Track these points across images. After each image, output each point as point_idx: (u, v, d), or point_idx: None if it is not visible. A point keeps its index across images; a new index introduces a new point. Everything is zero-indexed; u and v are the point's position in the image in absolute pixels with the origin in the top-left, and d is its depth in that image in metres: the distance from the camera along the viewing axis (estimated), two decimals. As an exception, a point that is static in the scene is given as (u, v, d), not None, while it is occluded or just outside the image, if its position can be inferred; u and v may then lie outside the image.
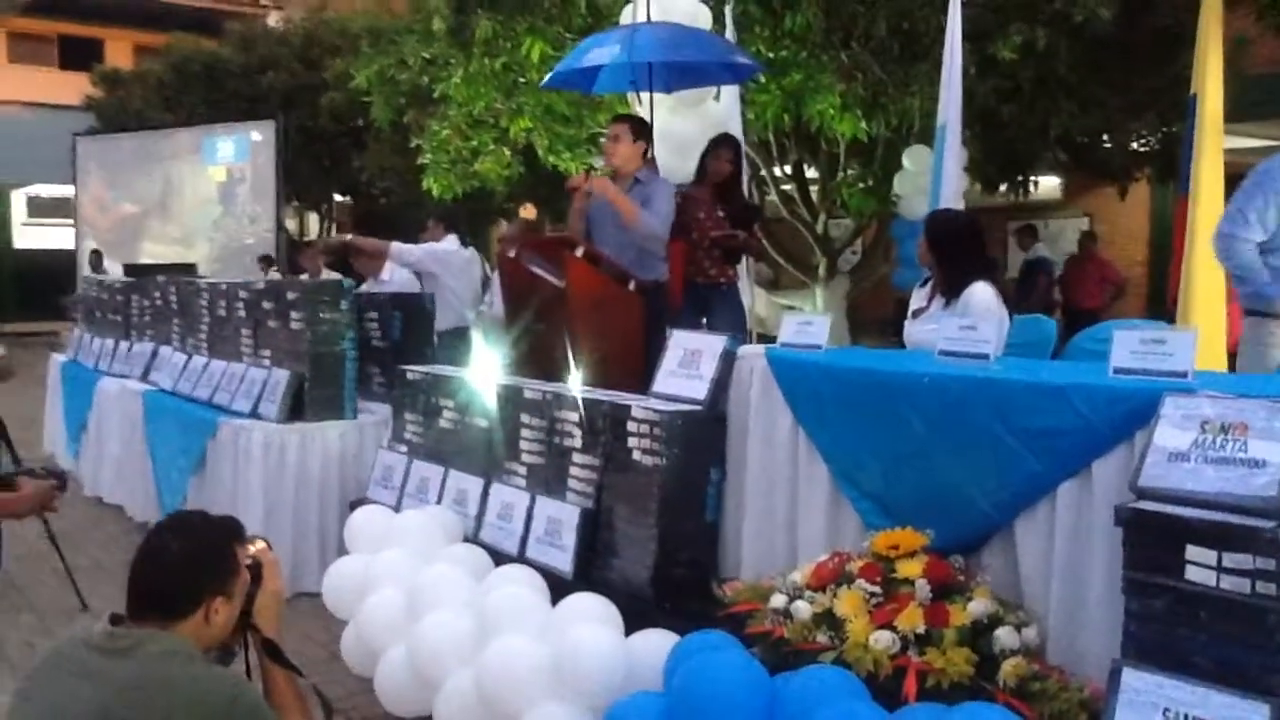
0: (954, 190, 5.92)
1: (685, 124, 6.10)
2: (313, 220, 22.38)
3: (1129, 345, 2.60)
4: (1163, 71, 8.20)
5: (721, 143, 5.59)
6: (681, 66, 5.64)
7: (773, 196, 10.51)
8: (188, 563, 2.08)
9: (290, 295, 5.18)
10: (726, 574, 3.40)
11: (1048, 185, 13.95)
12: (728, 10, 6.83)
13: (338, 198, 20.88)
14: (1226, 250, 4.14)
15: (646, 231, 4.74)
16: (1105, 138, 9.73)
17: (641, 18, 5.80)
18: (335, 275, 6.85)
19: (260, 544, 2.36)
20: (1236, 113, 6.22)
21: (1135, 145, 9.92)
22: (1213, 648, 2.07)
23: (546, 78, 6.13)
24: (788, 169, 10.57)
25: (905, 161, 8.84)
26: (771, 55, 7.75)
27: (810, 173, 10.76)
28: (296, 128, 16.90)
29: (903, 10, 7.57)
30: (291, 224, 20.33)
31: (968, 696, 2.38)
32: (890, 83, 7.67)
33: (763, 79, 7.85)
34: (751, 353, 3.47)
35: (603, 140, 5.70)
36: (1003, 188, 10.75)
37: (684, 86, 5.89)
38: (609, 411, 3.51)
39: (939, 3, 6.44)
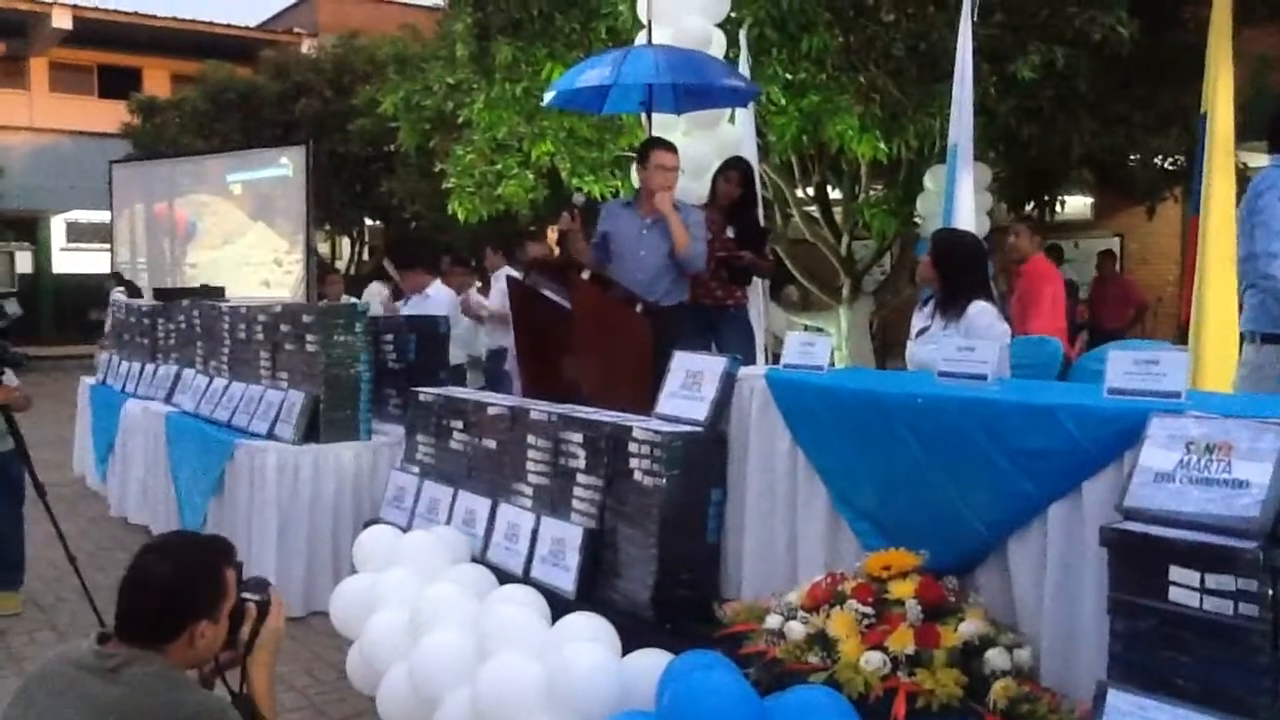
0: (968, 209, 5.91)
1: (699, 146, 6.13)
2: (344, 245, 22.61)
3: (1123, 366, 2.59)
4: (1188, 89, 8.15)
5: (732, 165, 5.62)
6: (686, 88, 5.67)
7: (796, 218, 10.51)
8: (173, 589, 2.09)
9: (306, 318, 5.26)
10: (728, 594, 3.40)
11: (1078, 205, 13.85)
12: (742, 34, 6.87)
13: (369, 222, 21.10)
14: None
15: (692, 260, 4.79)
16: (1131, 156, 9.66)
17: (655, 42, 5.85)
18: (353, 300, 6.92)
19: (276, 593, 2.41)
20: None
21: (1162, 163, 9.84)
22: (1196, 669, 2.06)
23: (548, 97, 6.16)
24: (810, 190, 10.58)
25: (927, 182, 8.81)
26: (789, 77, 7.77)
27: (834, 194, 10.75)
28: (328, 153, 17.13)
29: (920, 31, 7.57)
30: (323, 248, 20.55)
31: (957, 718, 2.38)
32: (909, 103, 7.66)
33: (781, 101, 7.87)
34: (752, 374, 3.48)
35: (630, 164, 5.67)
36: (1029, 207, 10.68)
37: (692, 109, 5.91)
38: (611, 432, 3.53)
39: (957, 23, 6.44)
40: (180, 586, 2.10)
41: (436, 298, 7.29)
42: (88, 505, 7.57)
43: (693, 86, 5.62)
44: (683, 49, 5.66)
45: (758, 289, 6.13)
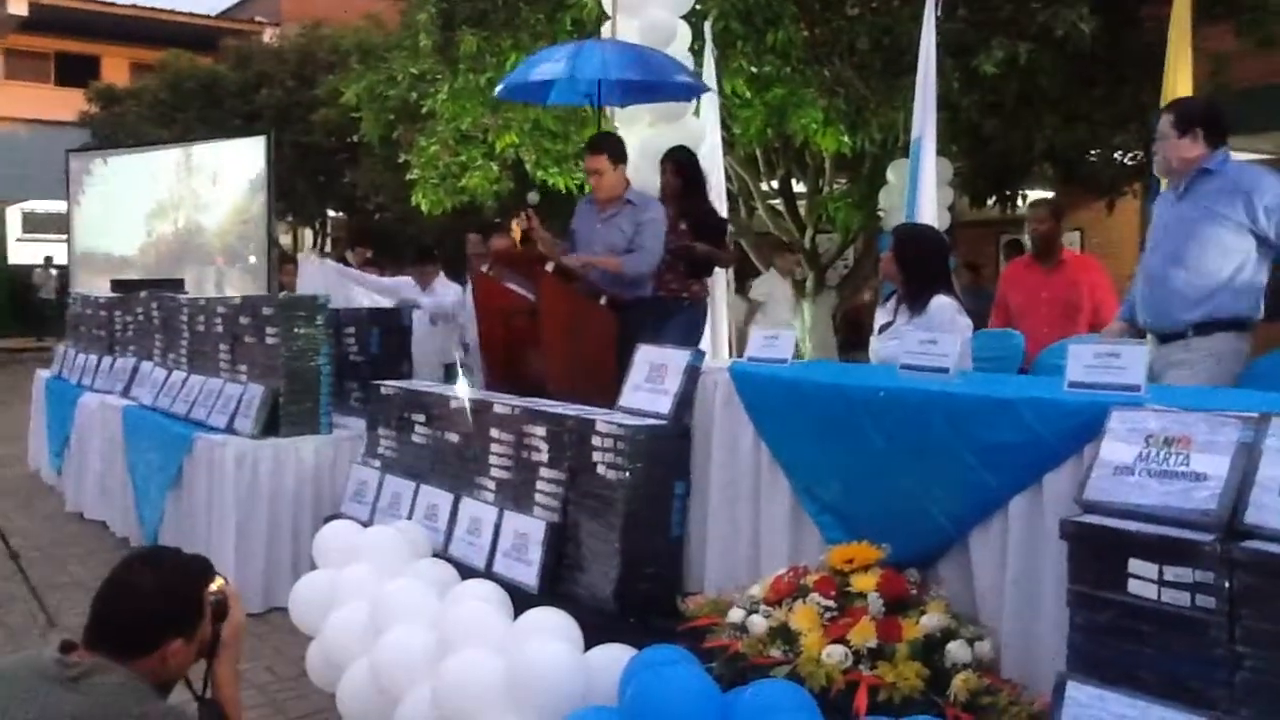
0: (931, 203, 5.93)
1: (664, 139, 6.10)
2: (307, 235, 22.42)
3: (1084, 359, 2.61)
4: (1147, 86, 8.22)
5: (667, 156, 5.55)
6: (632, 82, 5.64)
7: (760, 211, 10.53)
8: (154, 603, 2.05)
9: (266, 310, 5.19)
10: (691, 588, 3.39)
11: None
12: (707, 27, 6.85)
13: (331, 213, 20.94)
14: None
15: (635, 275, 4.80)
16: (1092, 152, 9.74)
17: (619, 34, 5.83)
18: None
19: (220, 580, 2.33)
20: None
21: (1122, 159, 9.93)
22: (1155, 661, 2.07)
23: (498, 88, 6.14)
24: (774, 184, 10.60)
25: (890, 175, 8.85)
26: (754, 70, 7.77)
27: (798, 187, 10.78)
28: (291, 144, 16.96)
29: (885, 26, 7.60)
30: (285, 239, 20.36)
31: (919, 711, 2.38)
32: (873, 98, 7.69)
33: (746, 94, 7.88)
34: (715, 367, 3.47)
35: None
36: (991, 202, 10.76)
37: (636, 101, 5.90)
38: (574, 426, 3.51)
39: (921, 18, 6.46)
40: (162, 601, 2.06)
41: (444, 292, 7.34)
42: (43, 500, 7.44)
43: (640, 82, 5.59)
44: (632, 44, 5.63)
45: (720, 281, 6.11)
